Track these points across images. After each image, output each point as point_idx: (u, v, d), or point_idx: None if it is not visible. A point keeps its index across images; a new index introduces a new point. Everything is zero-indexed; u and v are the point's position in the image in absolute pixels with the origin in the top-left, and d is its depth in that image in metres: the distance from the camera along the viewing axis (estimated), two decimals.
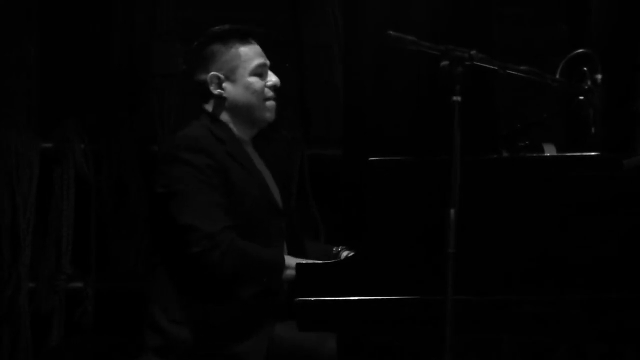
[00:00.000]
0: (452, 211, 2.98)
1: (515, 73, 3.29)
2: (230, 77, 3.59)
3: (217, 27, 3.63)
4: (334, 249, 3.76)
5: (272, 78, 3.65)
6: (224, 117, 3.61)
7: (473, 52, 3.13)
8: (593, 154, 3.31)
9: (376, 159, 3.20)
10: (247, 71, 3.60)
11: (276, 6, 5.89)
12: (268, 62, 3.66)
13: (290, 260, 3.41)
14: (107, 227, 5.58)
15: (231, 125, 3.61)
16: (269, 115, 3.65)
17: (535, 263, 3.16)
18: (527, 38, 5.97)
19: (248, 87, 3.60)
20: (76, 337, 5.43)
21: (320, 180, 5.61)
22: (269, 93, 3.63)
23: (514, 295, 3.15)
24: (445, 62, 3.09)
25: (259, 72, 3.62)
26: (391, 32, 3.11)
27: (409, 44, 3.13)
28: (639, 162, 3.16)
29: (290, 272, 3.37)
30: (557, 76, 3.42)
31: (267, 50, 3.69)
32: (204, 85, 3.60)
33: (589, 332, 3.52)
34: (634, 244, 3.15)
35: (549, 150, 3.59)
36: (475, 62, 3.14)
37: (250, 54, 3.61)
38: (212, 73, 3.59)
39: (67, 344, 5.40)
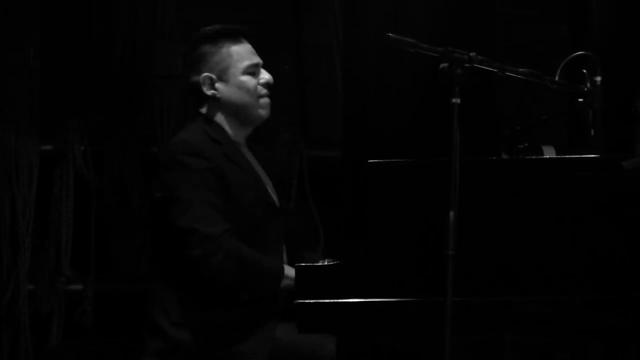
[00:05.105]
0: (451, 213, 2.98)
1: (515, 75, 3.29)
2: (223, 77, 3.58)
3: (207, 28, 3.62)
4: (306, 254, 3.75)
5: (264, 76, 3.63)
6: (219, 118, 3.61)
7: (472, 54, 3.13)
8: (592, 155, 3.31)
9: (376, 161, 3.20)
10: (239, 70, 3.59)
11: (277, 6, 5.90)
12: (261, 61, 3.65)
13: (290, 271, 3.41)
14: (107, 229, 5.58)
15: (226, 127, 3.60)
16: (264, 113, 3.63)
17: (535, 264, 3.16)
18: (527, 38, 5.98)
19: (241, 86, 3.59)
20: (76, 338, 5.44)
21: (320, 181, 5.61)
22: (263, 90, 3.62)
23: (515, 296, 3.15)
24: (444, 64, 3.09)
25: (252, 71, 3.61)
26: (390, 34, 3.10)
27: (408, 46, 3.12)
28: (639, 164, 3.16)
29: (289, 282, 3.37)
30: (557, 78, 3.42)
31: (258, 49, 3.67)
32: (197, 87, 3.59)
33: (590, 332, 3.53)
34: (634, 245, 3.14)
35: (548, 153, 3.60)
36: (474, 64, 3.13)
37: (242, 53, 3.60)
38: (204, 74, 3.58)
39: (67, 345, 5.40)
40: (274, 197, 3.63)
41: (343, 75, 5.40)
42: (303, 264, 3.24)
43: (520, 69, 3.30)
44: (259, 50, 3.69)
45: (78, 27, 5.69)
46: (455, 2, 4.78)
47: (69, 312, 5.46)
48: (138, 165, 5.55)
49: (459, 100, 3.05)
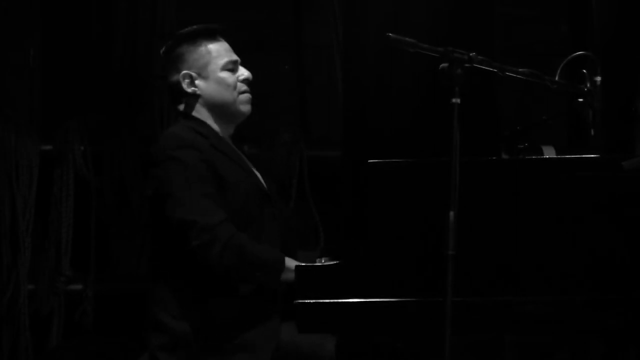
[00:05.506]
0: (451, 213, 2.98)
1: (515, 75, 3.29)
2: (202, 73, 3.60)
3: (184, 29, 3.65)
4: (300, 253, 3.73)
5: (243, 72, 3.66)
6: (202, 115, 3.61)
7: (472, 54, 3.13)
8: (592, 155, 3.31)
9: (376, 161, 3.20)
10: (219, 67, 3.61)
11: (277, 6, 5.90)
12: (239, 59, 3.68)
13: (290, 262, 3.41)
14: (107, 229, 5.59)
15: (210, 122, 3.61)
16: (244, 108, 3.65)
17: (535, 264, 3.16)
18: (527, 38, 5.98)
19: (221, 82, 3.61)
20: (76, 338, 5.44)
21: (320, 181, 5.61)
22: (243, 87, 3.64)
23: (515, 296, 3.15)
24: (444, 64, 3.09)
25: (231, 68, 3.63)
26: (390, 34, 3.11)
27: (408, 46, 3.13)
28: (639, 164, 3.16)
29: (290, 275, 3.36)
30: (557, 78, 3.41)
31: (235, 48, 3.70)
32: (178, 86, 3.61)
33: (590, 332, 3.53)
34: (634, 245, 3.14)
35: (548, 153, 3.60)
36: (474, 64, 3.14)
37: (220, 50, 3.63)
38: (184, 71, 3.60)
39: (67, 345, 5.41)
40: (264, 184, 3.63)
41: (343, 75, 5.40)
42: (303, 264, 3.24)
43: (520, 69, 3.30)
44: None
45: (78, 27, 5.69)
46: (455, 2, 4.78)
47: (69, 312, 5.46)
48: (138, 165, 5.56)
49: (459, 100, 3.05)
